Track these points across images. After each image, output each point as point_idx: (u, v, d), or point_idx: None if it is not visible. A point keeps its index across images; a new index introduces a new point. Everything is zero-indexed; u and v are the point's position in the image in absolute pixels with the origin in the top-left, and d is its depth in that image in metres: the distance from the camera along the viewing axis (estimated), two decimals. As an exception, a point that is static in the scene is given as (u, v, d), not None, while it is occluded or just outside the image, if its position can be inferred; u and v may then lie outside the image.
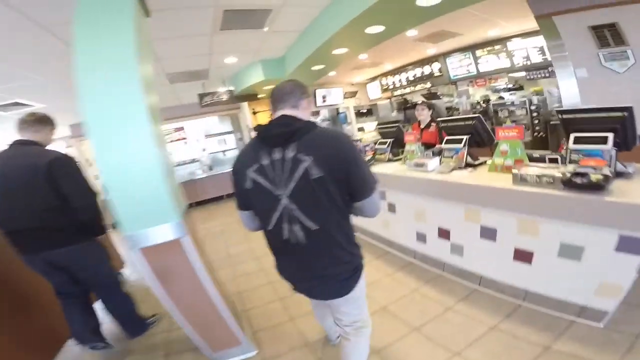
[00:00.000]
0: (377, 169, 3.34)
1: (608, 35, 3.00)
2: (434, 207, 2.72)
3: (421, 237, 3.00)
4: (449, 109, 7.49)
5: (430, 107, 3.92)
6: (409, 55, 7.10)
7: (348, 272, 1.34)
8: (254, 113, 7.96)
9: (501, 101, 6.27)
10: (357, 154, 1.21)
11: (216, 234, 5.61)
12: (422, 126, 3.95)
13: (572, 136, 1.91)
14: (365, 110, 9.85)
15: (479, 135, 2.60)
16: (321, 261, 1.28)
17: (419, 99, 7.88)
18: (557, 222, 1.89)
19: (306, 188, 1.16)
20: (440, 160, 2.79)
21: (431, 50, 6.80)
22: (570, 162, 1.89)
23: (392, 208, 3.27)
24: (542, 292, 2.14)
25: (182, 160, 8.63)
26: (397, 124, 3.76)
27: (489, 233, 2.32)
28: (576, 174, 1.65)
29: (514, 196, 1.98)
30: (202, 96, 5.74)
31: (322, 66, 4.92)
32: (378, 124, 4.15)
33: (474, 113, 6.63)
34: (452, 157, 2.70)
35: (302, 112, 1.29)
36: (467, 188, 2.25)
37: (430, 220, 2.83)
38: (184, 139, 8.71)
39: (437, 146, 3.34)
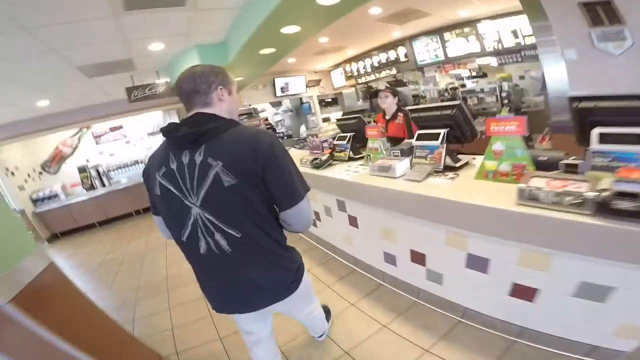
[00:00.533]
0: (332, 171, 2.66)
1: (602, 13, 2.45)
2: (404, 225, 2.08)
3: (390, 259, 2.36)
4: (415, 96, 6.96)
5: (395, 93, 3.22)
6: (373, 38, 6.43)
7: (288, 278, 1.22)
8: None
9: (470, 87, 5.82)
10: (277, 156, 1.04)
11: (159, 247, 4.80)
12: (387, 117, 3.29)
13: (595, 133, 1.31)
14: (330, 100, 9.14)
15: (459, 129, 1.97)
16: (255, 270, 1.13)
17: (383, 86, 7.28)
18: (579, 257, 1.30)
19: (220, 196, 1.02)
20: (411, 162, 2.15)
21: (396, 33, 6.18)
22: (594, 169, 1.30)
23: (353, 222, 2.60)
24: (544, 330, 1.62)
25: (123, 162, 7.51)
26: (357, 115, 3.07)
27: (478, 263, 1.71)
28: (621, 195, 1.05)
29: (517, 221, 1.35)
30: (130, 90, 4.79)
31: (271, 49, 4.11)
32: (338, 118, 3.45)
33: (442, 100, 6.15)
34: (425, 157, 2.06)
35: (219, 107, 1.11)
36: (449, 205, 1.60)
37: (400, 241, 2.19)
38: (125, 137, 7.56)
39: (406, 141, 2.71)
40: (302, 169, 3.13)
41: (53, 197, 6.79)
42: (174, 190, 1.06)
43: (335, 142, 3.10)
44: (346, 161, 2.93)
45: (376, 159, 2.40)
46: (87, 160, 7.44)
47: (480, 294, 1.84)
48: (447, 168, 1.98)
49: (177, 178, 1.05)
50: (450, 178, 1.85)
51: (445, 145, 1.95)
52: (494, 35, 5.31)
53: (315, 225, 3.34)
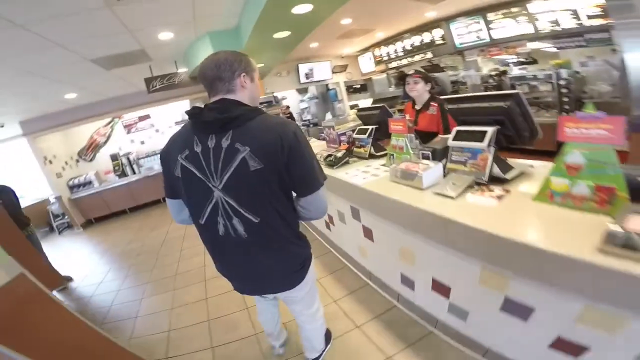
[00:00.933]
0: (347, 171, 2.22)
1: None
2: (427, 250, 1.62)
3: (407, 282, 1.93)
4: (454, 83, 6.20)
5: (427, 79, 2.60)
6: (404, 19, 5.74)
7: (296, 265, 1.25)
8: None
9: (518, 74, 5.00)
10: (301, 144, 1.05)
11: (176, 240, 4.74)
12: (417, 107, 2.72)
13: None
14: (358, 86, 8.55)
15: (514, 127, 1.45)
16: (267, 256, 1.16)
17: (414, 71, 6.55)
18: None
19: (244, 180, 1.03)
20: (444, 168, 1.67)
21: (430, 13, 5.46)
22: None
23: (368, 234, 2.17)
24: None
25: (152, 150, 7.55)
26: (380, 105, 2.57)
27: (518, 309, 1.25)
28: None
29: (596, 275, 0.87)
30: (149, 81, 4.67)
31: (286, 33, 3.67)
32: (359, 109, 2.96)
33: (486, 88, 5.39)
34: (465, 162, 1.57)
35: (242, 94, 1.11)
36: (493, 241, 1.12)
37: (421, 266, 1.75)
38: (153, 126, 7.59)
39: (441, 137, 2.21)
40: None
41: (87, 184, 7.01)
42: (197, 173, 1.07)
43: (355, 136, 2.65)
44: (366, 159, 2.48)
45: (400, 160, 1.94)
46: (120, 149, 7.61)
47: (511, 338, 1.38)
48: (494, 180, 1.48)
49: (201, 161, 1.05)
50: (498, 196, 1.35)
51: (493, 150, 1.44)
52: (548, 16, 4.44)
53: (329, 228, 2.96)
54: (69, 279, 3.98)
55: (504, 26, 4.99)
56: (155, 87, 4.66)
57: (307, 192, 1.10)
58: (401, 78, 2.84)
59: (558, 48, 4.55)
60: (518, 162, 1.62)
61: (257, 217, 1.07)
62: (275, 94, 6.00)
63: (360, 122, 2.88)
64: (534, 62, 5.20)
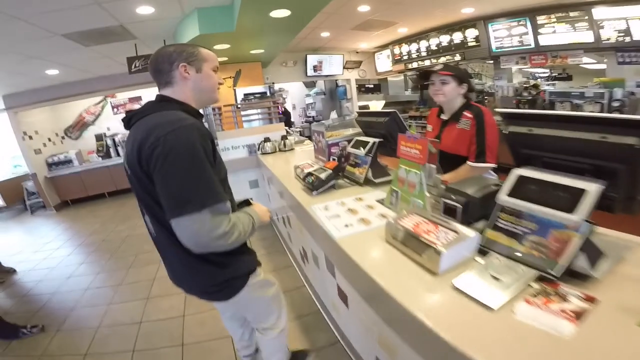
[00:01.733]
0: (330, 200, 1.54)
1: None
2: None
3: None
4: (479, 92, 5.42)
5: (461, 78, 1.68)
6: (434, 14, 4.95)
7: (210, 283, 1.09)
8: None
9: (562, 88, 4.22)
10: (163, 157, 0.87)
11: (138, 238, 4.13)
12: (444, 116, 1.81)
13: None
14: (371, 86, 7.77)
15: (633, 185, 0.73)
16: (174, 263, 1.10)
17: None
18: None
19: (131, 182, 1.01)
20: (483, 241, 0.95)
21: (467, 9, 4.66)
22: None
23: (343, 297, 1.48)
24: None
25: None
26: (390, 111, 1.77)
27: None
28: None
29: None
30: (131, 60, 4.09)
31: (285, 12, 2.95)
32: (360, 112, 2.22)
33: (519, 102, 4.59)
34: (521, 237, 0.85)
35: (183, 86, 1.04)
36: None
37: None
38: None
39: (468, 166, 1.54)
40: (293, 185, 1.95)
41: (67, 162, 6.49)
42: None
43: (350, 150, 1.93)
44: (360, 185, 1.77)
45: (407, 205, 1.22)
46: (108, 129, 7.05)
47: None
48: (571, 274, 0.76)
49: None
50: (575, 313, 0.65)
51: (586, 227, 0.73)
52: (618, 24, 3.62)
53: (303, 261, 2.28)
54: (12, 271, 3.55)
55: (556, 31, 4.18)
56: (137, 67, 4.05)
57: (168, 215, 0.89)
58: (423, 76, 1.86)
59: (622, 62, 3.74)
60: (608, 240, 0.89)
61: (153, 221, 1.03)
62: (276, 85, 5.29)
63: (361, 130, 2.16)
64: (568, 77, 4.54)
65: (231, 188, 1.15)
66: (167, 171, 0.87)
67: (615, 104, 3.66)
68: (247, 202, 1.22)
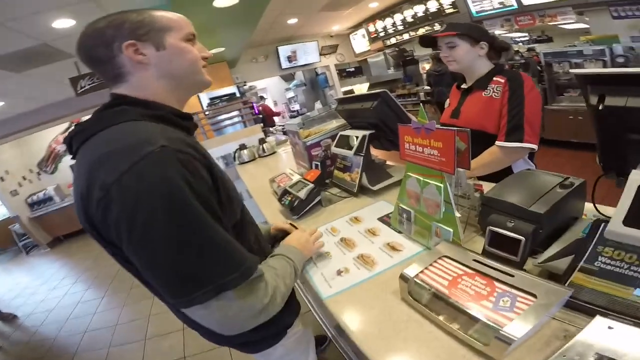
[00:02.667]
0: (315, 225, 1.00)
1: None
2: None
3: None
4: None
5: (475, 36, 1.19)
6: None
7: (236, 344, 0.79)
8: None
9: (558, 49, 3.79)
10: (132, 213, 0.48)
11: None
12: (465, 85, 1.32)
13: None
14: (352, 69, 7.26)
15: None
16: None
17: (422, 50, 5.16)
18: None
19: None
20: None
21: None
22: None
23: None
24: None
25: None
26: (379, 91, 1.24)
27: None
28: None
29: None
30: (75, 81, 3.52)
31: None
32: (339, 99, 1.75)
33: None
34: None
35: (141, 78, 0.62)
36: None
37: None
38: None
39: (496, 148, 1.13)
40: (270, 204, 1.50)
41: (48, 200, 6.05)
42: None
43: (335, 149, 1.48)
44: (354, 195, 1.34)
45: (425, 239, 0.79)
46: (84, 157, 6.53)
47: None
48: None
49: None
50: None
51: None
52: None
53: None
54: (11, 317, 3.42)
55: None
56: (84, 87, 3.53)
57: (172, 302, 0.53)
58: (429, 44, 1.30)
59: (615, 17, 3.30)
60: None
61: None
62: (249, 83, 4.79)
63: (345, 125, 1.70)
64: (549, 40, 4.25)
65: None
66: (143, 244, 0.50)
67: (620, 60, 3.27)
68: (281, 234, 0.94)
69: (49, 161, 6.50)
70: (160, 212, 0.48)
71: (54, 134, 6.34)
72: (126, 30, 0.60)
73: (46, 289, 4.07)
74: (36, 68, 3.40)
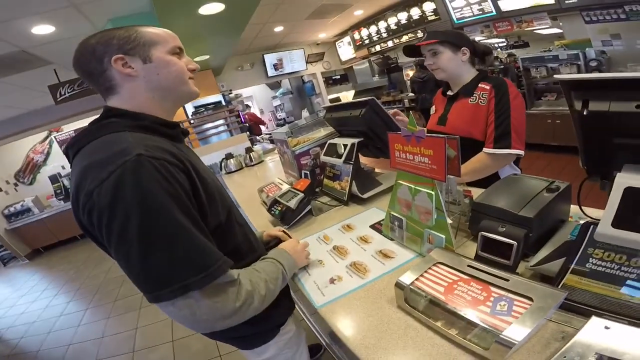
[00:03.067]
0: (305, 235, 1.01)
1: None
2: None
3: None
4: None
5: (456, 42, 1.23)
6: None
7: (231, 339, 0.84)
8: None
9: (534, 54, 3.94)
10: (110, 217, 0.54)
11: (113, 282, 3.69)
12: (451, 92, 1.34)
13: None
14: (338, 77, 7.32)
15: None
16: None
17: (406, 57, 5.29)
18: None
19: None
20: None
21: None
22: None
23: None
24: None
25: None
26: (367, 99, 1.24)
27: None
28: None
29: None
30: (55, 88, 3.39)
31: (218, 6, 2.44)
32: (327, 107, 1.75)
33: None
34: None
35: (131, 89, 0.68)
36: None
37: None
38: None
39: (484, 154, 1.16)
40: (259, 214, 1.49)
41: (26, 211, 5.77)
42: None
43: (324, 158, 1.48)
44: (345, 203, 1.33)
45: (417, 245, 0.79)
46: (63, 167, 6.28)
47: None
48: None
49: None
50: None
51: None
52: None
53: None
54: None
55: None
56: (64, 95, 3.39)
57: (145, 297, 0.57)
58: (413, 53, 1.34)
59: (589, 21, 3.46)
60: None
61: None
62: (234, 91, 4.76)
63: (333, 132, 1.70)
64: (525, 45, 4.41)
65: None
66: (119, 247, 0.55)
67: (593, 64, 3.42)
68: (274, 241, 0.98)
69: (27, 172, 6.22)
70: (133, 216, 0.52)
71: (32, 144, 6.08)
72: (114, 45, 0.66)
73: (26, 301, 3.90)
74: (13, 75, 3.26)
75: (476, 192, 0.85)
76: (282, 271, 0.76)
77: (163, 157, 0.57)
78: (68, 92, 3.38)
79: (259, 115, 7.15)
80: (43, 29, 2.51)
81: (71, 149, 0.65)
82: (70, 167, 0.66)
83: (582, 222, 0.61)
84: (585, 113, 0.50)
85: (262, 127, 6.11)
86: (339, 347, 0.95)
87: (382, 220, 1.01)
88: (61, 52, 3.02)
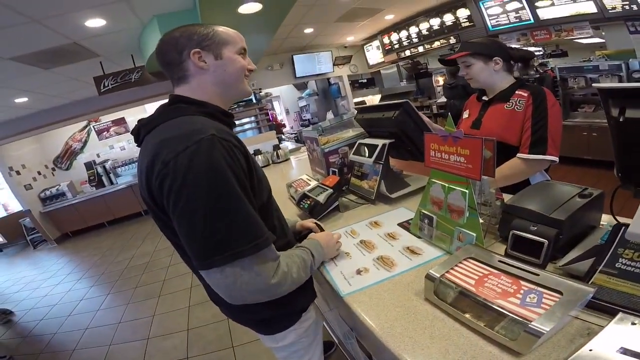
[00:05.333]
0: (333, 229, 1.05)
1: None
2: None
3: None
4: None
5: (487, 53, 1.26)
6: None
7: (253, 321, 0.90)
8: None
9: (572, 64, 3.83)
10: (183, 183, 0.61)
11: (137, 269, 3.89)
12: (486, 97, 1.37)
13: None
14: (364, 80, 7.36)
15: None
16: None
17: (436, 63, 5.28)
18: None
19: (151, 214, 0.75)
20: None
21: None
22: None
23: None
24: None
25: (130, 157, 6.62)
26: (401, 102, 1.29)
27: None
28: None
29: None
30: (99, 80, 3.70)
31: (256, 6, 2.58)
32: (359, 108, 1.81)
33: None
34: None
35: (201, 81, 0.77)
36: None
37: None
38: (128, 131, 6.64)
39: (519, 159, 1.18)
40: (287, 208, 1.54)
41: (60, 195, 6.20)
42: None
43: (353, 157, 1.53)
44: (372, 202, 1.38)
45: (449, 241, 0.83)
46: (98, 156, 6.70)
47: None
48: None
49: None
50: None
51: None
52: None
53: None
54: (8, 313, 3.38)
55: (554, 4, 3.79)
56: (107, 87, 3.68)
57: (196, 265, 0.64)
58: (446, 61, 1.40)
59: (632, 32, 3.34)
60: None
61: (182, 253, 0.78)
62: (263, 90, 4.91)
63: (363, 133, 1.76)
64: (563, 54, 4.28)
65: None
66: (184, 212, 0.62)
67: (637, 75, 3.27)
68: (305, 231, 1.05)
69: (65, 158, 6.68)
70: (203, 185, 0.60)
71: (71, 132, 6.53)
72: (195, 40, 0.75)
73: (50, 284, 4.14)
74: (62, 66, 3.54)
75: (506, 197, 0.88)
76: (312, 262, 0.83)
77: (229, 140, 0.66)
78: (111, 84, 3.65)
79: (284, 115, 7.32)
80: (95, 22, 2.73)
81: (144, 128, 0.74)
82: (139, 145, 0.76)
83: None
84: (621, 120, 0.53)
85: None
86: (362, 336, 0.99)
87: (411, 219, 1.05)
88: (108, 45, 3.26)
